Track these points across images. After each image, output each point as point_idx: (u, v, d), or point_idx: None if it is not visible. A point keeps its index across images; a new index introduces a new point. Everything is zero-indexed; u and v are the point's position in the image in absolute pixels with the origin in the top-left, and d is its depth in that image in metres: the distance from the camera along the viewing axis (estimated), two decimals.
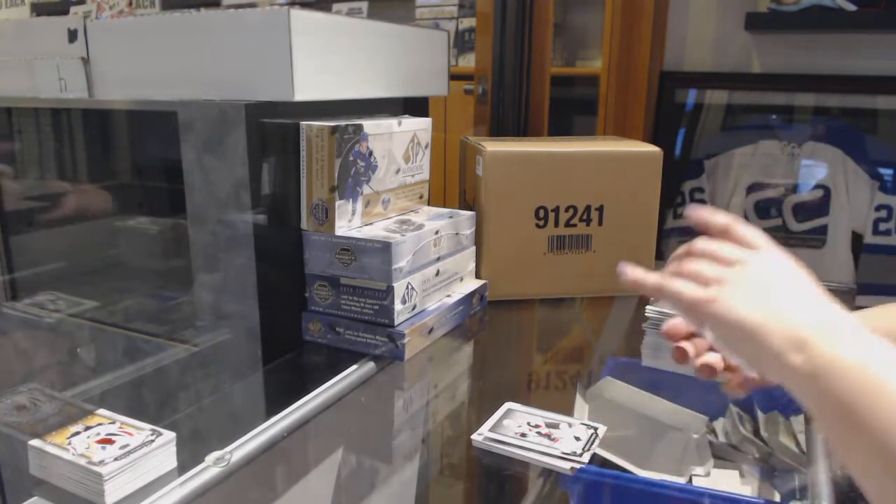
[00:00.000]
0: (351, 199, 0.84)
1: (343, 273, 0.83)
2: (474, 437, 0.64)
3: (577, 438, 0.63)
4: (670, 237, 1.64)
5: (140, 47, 0.87)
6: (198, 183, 0.81)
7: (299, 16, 0.78)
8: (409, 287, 0.84)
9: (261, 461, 0.62)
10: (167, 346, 0.88)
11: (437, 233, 0.90)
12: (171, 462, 0.59)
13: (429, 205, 1.02)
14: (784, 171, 1.54)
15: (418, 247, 0.85)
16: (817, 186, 1.50)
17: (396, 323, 0.82)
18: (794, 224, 1.53)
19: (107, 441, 0.58)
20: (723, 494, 0.57)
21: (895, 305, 0.55)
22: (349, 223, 0.85)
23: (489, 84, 1.69)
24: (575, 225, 1.05)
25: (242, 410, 0.79)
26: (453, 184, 1.25)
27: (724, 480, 0.63)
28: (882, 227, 1.44)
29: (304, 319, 0.87)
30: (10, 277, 1.05)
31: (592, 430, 0.65)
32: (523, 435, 0.64)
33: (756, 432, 0.77)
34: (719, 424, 0.80)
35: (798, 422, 0.77)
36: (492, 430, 0.65)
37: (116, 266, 1.06)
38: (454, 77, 1.20)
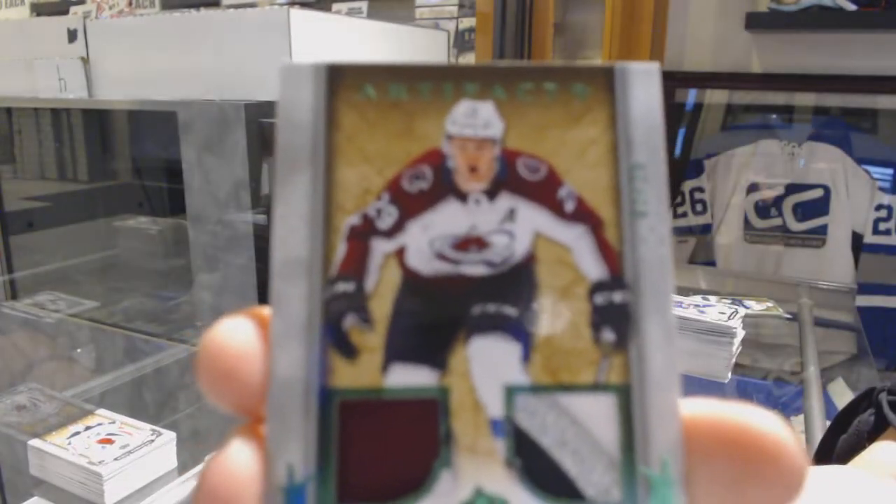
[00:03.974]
0: None
1: None
2: None
3: None
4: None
5: (140, 47, 0.87)
6: (197, 183, 0.81)
7: (299, 16, 0.78)
8: None
9: None
10: (167, 346, 0.88)
11: None
12: (172, 462, 0.59)
13: None
14: (784, 171, 1.54)
15: None
16: (817, 186, 1.50)
17: None
18: (794, 224, 1.53)
19: (107, 441, 0.58)
20: None
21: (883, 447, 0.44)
22: None
23: None
24: None
25: None
26: None
27: None
28: (882, 226, 1.44)
29: None
30: (10, 277, 1.05)
31: None
32: None
33: None
34: None
35: (798, 422, 0.77)
36: None
37: (116, 266, 1.06)
38: None
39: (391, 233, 0.14)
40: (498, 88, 0.14)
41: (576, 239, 0.14)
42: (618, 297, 0.13)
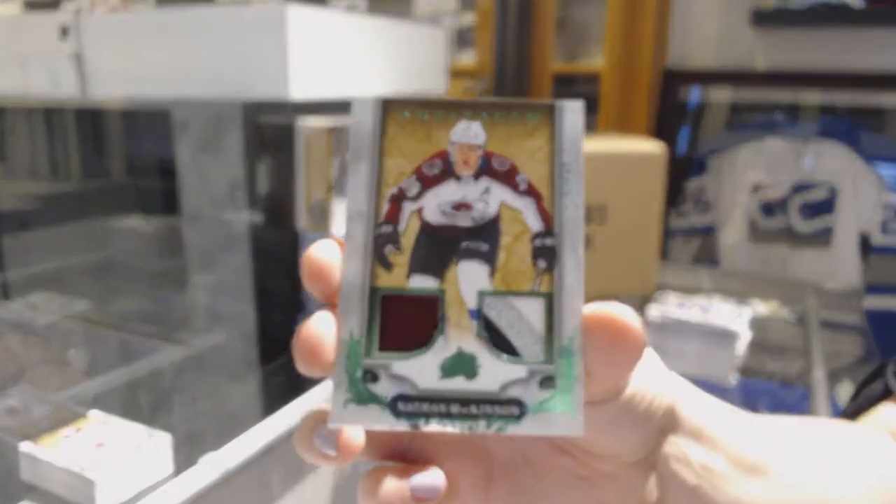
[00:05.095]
0: None
1: None
2: None
3: None
4: (674, 236, 1.63)
5: (134, 44, 0.86)
6: (193, 182, 0.80)
7: (296, 12, 0.77)
8: None
9: (257, 463, 0.61)
10: (162, 347, 0.88)
11: None
12: (166, 464, 0.58)
13: None
14: (790, 170, 1.52)
15: None
16: (823, 185, 1.49)
17: None
18: (800, 223, 1.51)
19: (100, 444, 0.57)
20: None
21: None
22: None
23: (489, 82, 1.68)
24: None
25: (238, 412, 0.78)
26: None
27: None
28: (891, 227, 1.43)
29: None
30: (2, 278, 1.04)
31: None
32: None
33: None
34: None
35: None
36: None
37: (110, 266, 1.06)
38: (454, 74, 1.19)
39: (415, 198, 0.22)
40: (483, 114, 0.22)
41: (525, 206, 0.22)
42: (548, 241, 0.21)
